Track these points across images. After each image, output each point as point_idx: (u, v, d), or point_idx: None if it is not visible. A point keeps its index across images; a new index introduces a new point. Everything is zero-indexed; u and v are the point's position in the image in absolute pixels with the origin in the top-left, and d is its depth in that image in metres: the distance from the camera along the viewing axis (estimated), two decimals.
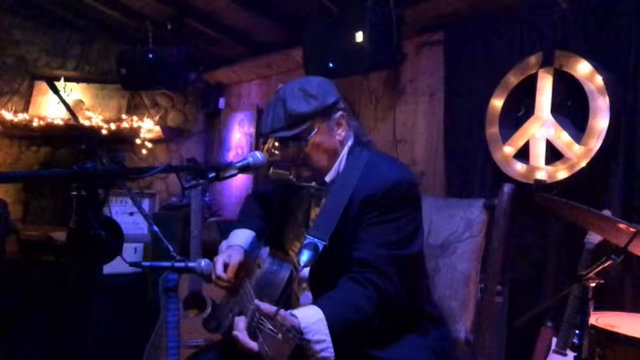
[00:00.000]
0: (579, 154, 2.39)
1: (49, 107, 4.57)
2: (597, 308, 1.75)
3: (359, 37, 2.97)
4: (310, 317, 1.27)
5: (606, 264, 1.49)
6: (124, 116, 4.67)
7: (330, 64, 3.09)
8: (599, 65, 2.36)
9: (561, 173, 2.46)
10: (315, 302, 1.37)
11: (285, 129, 1.44)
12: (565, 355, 2.16)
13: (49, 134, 4.48)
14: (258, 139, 4.50)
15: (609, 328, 1.80)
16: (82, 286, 3.51)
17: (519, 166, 2.61)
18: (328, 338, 1.26)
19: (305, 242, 1.36)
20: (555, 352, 2.19)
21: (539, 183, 2.50)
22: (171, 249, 1.31)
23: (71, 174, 1.10)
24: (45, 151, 4.67)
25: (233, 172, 1.39)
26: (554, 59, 2.49)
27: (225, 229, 1.63)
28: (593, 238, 2.18)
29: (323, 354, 1.25)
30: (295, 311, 1.29)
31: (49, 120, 4.39)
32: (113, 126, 4.54)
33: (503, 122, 2.70)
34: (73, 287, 3.54)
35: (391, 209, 1.41)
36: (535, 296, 2.55)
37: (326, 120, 1.48)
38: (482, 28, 2.88)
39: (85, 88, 4.72)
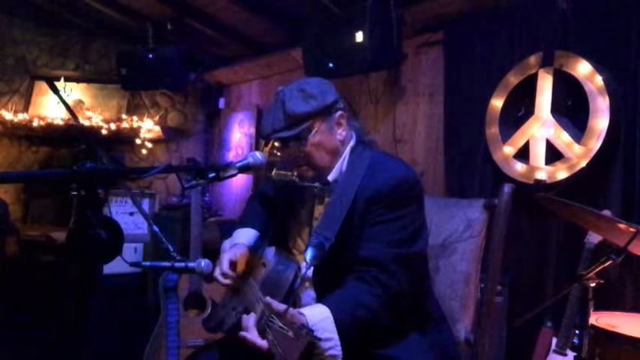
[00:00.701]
0: (579, 154, 2.39)
1: (49, 107, 4.57)
2: (597, 308, 1.75)
3: (359, 37, 2.97)
4: (317, 315, 1.28)
5: (606, 264, 1.49)
6: (124, 116, 4.68)
7: (330, 64, 3.09)
8: (599, 65, 2.36)
9: (561, 173, 2.46)
10: (321, 301, 1.38)
11: (285, 129, 1.45)
12: (565, 355, 2.16)
13: (49, 134, 4.48)
14: (258, 139, 4.50)
15: (609, 328, 1.80)
16: (82, 286, 3.51)
17: (519, 166, 2.61)
18: (336, 336, 1.27)
19: (311, 241, 1.37)
20: (555, 352, 2.19)
21: (539, 183, 2.50)
22: (171, 249, 1.31)
23: (71, 174, 1.10)
24: (45, 151, 4.67)
25: (233, 172, 1.39)
26: (554, 59, 2.49)
27: (225, 229, 1.63)
28: (593, 238, 2.18)
29: (331, 352, 1.26)
30: (302, 310, 1.30)
31: (49, 120, 4.39)
32: (113, 126, 4.54)
33: (503, 122, 2.70)
34: (73, 287, 3.55)
35: (396, 207, 1.42)
36: (535, 296, 2.55)
37: (326, 119, 1.49)
38: (482, 28, 2.88)
39: (85, 88, 4.72)
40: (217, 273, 1.52)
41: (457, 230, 1.77)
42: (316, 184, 1.54)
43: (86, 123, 4.48)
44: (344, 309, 1.32)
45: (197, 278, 2.64)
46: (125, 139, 4.71)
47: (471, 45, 2.92)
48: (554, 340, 2.22)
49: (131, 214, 4.08)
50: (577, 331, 1.58)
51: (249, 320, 1.30)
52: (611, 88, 2.32)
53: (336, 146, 1.51)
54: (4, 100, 4.48)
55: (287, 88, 1.50)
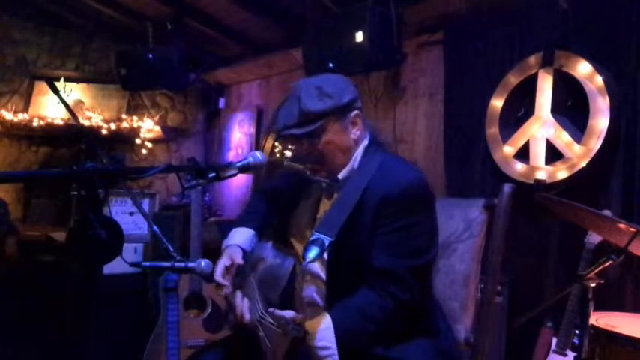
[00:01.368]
0: (579, 154, 2.39)
1: (49, 107, 4.56)
2: (597, 308, 1.75)
3: (359, 37, 2.96)
4: (319, 324, 1.32)
5: (606, 264, 1.49)
6: (124, 116, 4.67)
7: (330, 64, 3.09)
8: (599, 65, 2.36)
9: (561, 173, 2.46)
10: (330, 310, 1.39)
11: (297, 126, 1.43)
12: (565, 355, 2.16)
13: (49, 134, 4.48)
14: (259, 139, 4.50)
15: (609, 328, 1.80)
16: (82, 286, 3.51)
17: (519, 166, 2.61)
18: (334, 345, 1.30)
19: (311, 238, 1.37)
20: (555, 352, 2.19)
21: (539, 183, 2.50)
22: (171, 249, 1.31)
23: (71, 174, 1.10)
24: (45, 151, 4.67)
25: (233, 172, 1.39)
26: (554, 59, 2.49)
27: (226, 229, 1.63)
28: (593, 238, 2.18)
29: None
30: (307, 322, 1.33)
31: (49, 120, 4.39)
32: (113, 126, 4.54)
33: (503, 122, 2.70)
34: (73, 287, 3.54)
35: (408, 213, 1.40)
36: (535, 296, 2.55)
37: (340, 119, 1.46)
38: (482, 28, 2.88)
39: (85, 88, 4.72)
40: (216, 277, 1.52)
41: (457, 230, 1.77)
42: (327, 180, 1.53)
43: (86, 123, 4.47)
44: (348, 320, 1.35)
45: (197, 278, 2.64)
46: (125, 139, 4.71)
47: (471, 45, 2.92)
48: (554, 340, 2.22)
49: (131, 214, 4.07)
50: (577, 331, 1.59)
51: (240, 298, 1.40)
52: (611, 88, 2.32)
53: (349, 145, 1.49)
54: (4, 100, 4.48)
55: (304, 82, 1.48)
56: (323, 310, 1.43)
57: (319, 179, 1.53)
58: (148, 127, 4.69)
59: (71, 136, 4.49)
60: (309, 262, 1.33)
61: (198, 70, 4.74)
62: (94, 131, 4.43)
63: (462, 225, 1.77)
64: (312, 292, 1.53)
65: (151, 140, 4.79)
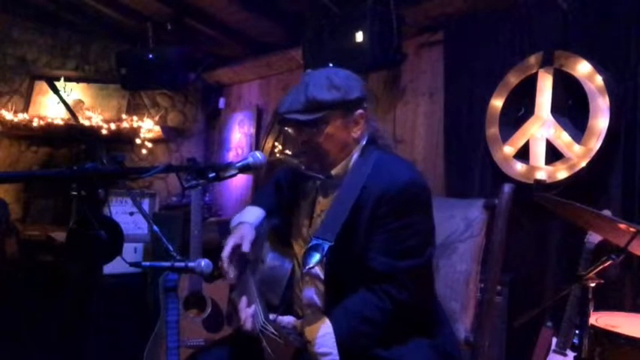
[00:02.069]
0: (579, 154, 2.39)
1: (49, 107, 4.57)
2: (597, 308, 1.75)
3: (359, 37, 2.97)
4: (319, 331, 1.32)
5: (606, 264, 1.49)
6: (124, 116, 4.68)
7: (330, 64, 3.09)
8: (599, 65, 2.36)
9: (561, 173, 2.46)
10: (329, 312, 1.39)
11: (301, 112, 1.42)
12: (565, 355, 2.16)
13: (49, 134, 4.48)
14: (259, 139, 4.50)
15: (609, 328, 1.80)
16: (82, 286, 3.51)
17: (519, 166, 2.61)
18: (334, 351, 1.30)
19: (311, 244, 1.36)
20: (555, 352, 2.19)
21: (539, 183, 2.50)
22: (171, 249, 1.31)
23: (71, 174, 1.10)
24: (45, 151, 4.67)
25: (233, 172, 1.39)
26: (554, 59, 2.49)
27: (225, 228, 1.62)
28: (593, 238, 2.18)
29: None
30: (307, 329, 1.34)
31: (49, 120, 4.39)
32: (113, 126, 4.54)
33: (503, 122, 2.70)
34: (73, 287, 3.55)
35: (404, 213, 1.39)
36: (535, 296, 2.55)
37: (344, 114, 1.45)
38: (482, 28, 2.88)
39: (85, 88, 4.72)
40: (223, 256, 1.51)
41: (457, 230, 1.77)
42: (320, 176, 1.53)
43: (86, 123, 4.48)
44: (347, 324, 1.35)
45: (197, 278, 2.64)
46: (125, 139, 4.71)
47: (471, 45, 2.92)
48: (554, 340, 2.22)
49: (131, 214, 4.07)
50: (577, 331, 1.58)
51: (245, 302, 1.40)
52: (611, 88, 2.32)
53: (347, 143, 1.48)
54: (4, 100, 4.48)
55: (315, 72, 1.47)
56: (322, 312, 1.43)
57: (313, 175, 1.53)
58: (148, 127, 4.69)
59: (71, 136, 4.49)
60: (309, 268, 1.33)
61: (198, 70, 4.74)
62: (94, 131, 4.43)
63: (462, 225, 1.76)
64: (312, 293, 1.52)
65: (151, 140, 4.79)
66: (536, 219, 2.58)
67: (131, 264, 1.30)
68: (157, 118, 4.87)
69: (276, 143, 4.23)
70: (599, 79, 2.33)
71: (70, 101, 4.51)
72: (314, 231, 1.48)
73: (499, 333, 2.48)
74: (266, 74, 4.51)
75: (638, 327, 1.82)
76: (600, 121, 2.33)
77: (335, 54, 3.10)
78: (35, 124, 4.35)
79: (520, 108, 2.69)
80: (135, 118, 4.68)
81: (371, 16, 2.94)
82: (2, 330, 3.40)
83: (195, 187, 1.33)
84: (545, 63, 2.52)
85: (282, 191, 1.73)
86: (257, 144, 4.50)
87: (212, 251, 1.67)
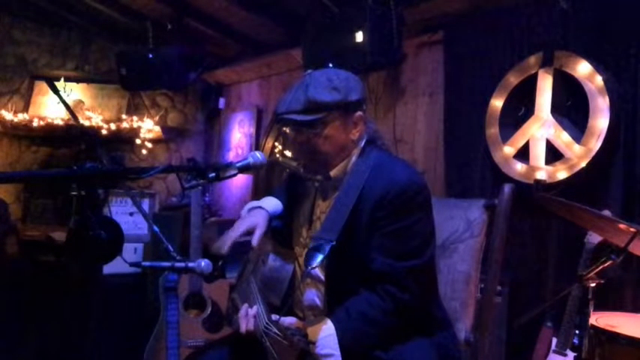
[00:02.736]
0: (579, 154, 2.39)
1: (49, 107, 4.56)
2: (597, 308, 1.75)
3: (359, 37, 2.96)
4: (321, 332, 1.32)
5: (606, 264, 1.49)
6: (124, 116, 4.67)
7: (330, 64, 3.09)
8: (599, 65, 2.36)
9: (561, 173, 2.46)
10: (330, 311, 1.40)
11: (300, 113, 1.42)
12: (565, 355, 2.16)
13: (49, 134, 4.48)
14: (259, 139, 4.50)
15: (609, 328, 1.80)
16: (82, 286, 3.51)
17: (519, 166, 2.61)
18: (337, 352, 1.31)
19: (313, 244, 1.37)
20: (555, 352, 2.19)
21: (539, 183, 2.50)
22: (171, 249, 1.31)
23: (71, 174, 1.10)
24: (45, 151, 4.67)
25: (233, 172, 1.39)
26: (554, 59, 2.49)
27: (225, 229, 1.62)
28: (593, 238, 2.18)
29: None
30: (309, 329, 1.34)
31: (49, 120, 4.39)
32: (113, 126, 4.54)
33: (503, 122, 2.70)
34: (72, 287, 3.54)
35: (404, 214, 1.39)
36: (535, 296, 2.55)
37: (343, 116, 1.45)
38: (482, 28, 2.88)
39: (85, 88, 4.72)
40: (232, 235, 1.51)
41: (457, 230, 1.77)
42: (319, 178, 1.53)
43: (86, 123, 4.47)
44: (350, 325, 1.35)
45: (197, 278, 2.64)
46: (125, 139, 4.71)
47: (471, 45, 2.92)
48: (554, 340, 2.22)
49: (131, 214, 4.07)
50: (577, 331, 1.58)
51: (246, 309, 1.39)
52: (611, 88, 2.32)
53: (345, 144, 1.48)
54: (4, 100, 4.48)
55: (316, 72, 1.47)
56: (324, 314, 1.43)
57: (312, 177, 1.53)
58: (148, 127, 4.69)
59: (71, 136, 4.49)
60: (312, 268, 1.33)
61: (198, 70, 4.73)
62: (94, 131, 4.42)
63: (462, 225, 1.77)
64: (313, 295, 1.52)
65: (151, 140, 4.79)
66: (536, 219, 2.58)
67: (131, 264, 1.30)
68: (157, 118, 4.87)
69: (276, 143, 4.23)
70: (599, 79, 2.33)
71: (70, 101, 4.50)
72: (313, 233, 1.48)
73: (499, 333, 2.48)
74: (266, 74, 4.51)
75: (638, 327, 1.82)
76: (600, 121, 2.33)
77: (335, 54, 3.10)
78: (35, 124, 4.35)
79: (520, 108, 2.69)
80: (135, 118, 4.67)
81: (371, 16, 2.93)
82: (2, 330, 3.40)
83: (195, 187, 1.33)
84: (545, 63, 2.52)
85: (288, 194, 1.74)
86: (257, 144, 4.50)
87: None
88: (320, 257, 1.32)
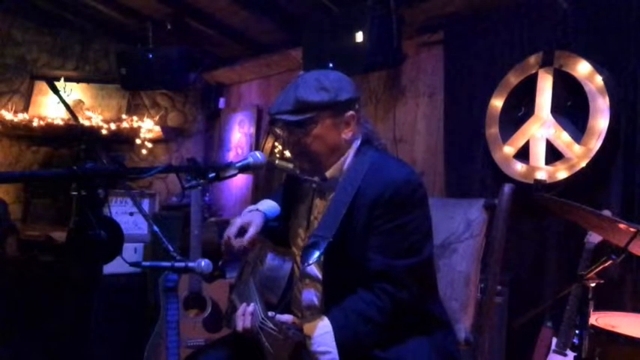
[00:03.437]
0: (579, 154, 2.39)
1: (49, 107, 4.56)
2: (597, 308, 1.75)
3: (359, 37, 2.96)
4: (318, 329, 1.33)
5: (606, 264, 1.49)
6: (124, 116, 4.67)
7: (330, 64, 3.09)
8: (599, 65, 2.36)
9: (561, 173, 2.46)
10: (327, 311, 1.40)
11: (289, 113, 1.43)
12: (565, 355, 2.16)
13: (49, 134, 4.48)
14: (259, 139, 4.50)
15: (609, 328, 1.80)
16: (82, 286, 3.51)
17: (519, 166, 2.61)
18: (334, 350, 1.31)
19: (309, 241, 1.37)
20: (555, 352, 2.19)
21: (539, 183, 2.50)
22: (171, 249, 1.31)
23: (71, 174, 1.10)
24: (45, 151, 4.67)
25: (233, 172, 1.39)
26: (554, 59, 2.49)
27: (225, 229, 1.63)
28: (593, 238, 2.18)
29: None
30: (306, 326, 1.34)
31: (49, 120, 4.39)
32: (113, 126, 4.54)
33: (503, 122, 2.70)
34: (73, 287, 3.54)
35: (400, 213, 1.39)
36: (535, 296, 2.55)
37: (334, 115, 1.46)
38: (482, 28, 2.88)
39: (85, 88, 4.72)
40: (227, 235, 1.54)
41: (457, 230, 1.77)
42: (315, 179, 1.53)
43: (86, 123, 4.47)
44: (347, 323, 1.35)
45: (197, 278, 2.64)
46: (125, 139, 4.71)
47: (471, 45, 2.92)
48: (554, 340, 2.22)
49: (131, 214, 4.07)
50: (577, 331, 1.58)
51: (244, 307, 1.40)
52: (611, 88, 2.32)
53: (337, 144, 1.49)
54: (4, 100, 4.48)
55: (307, 73, 1.49)
56: (322, 314, 1.43)
57: (308, 178, 1.53)
58: (148, 127, 4.69)
59: (71, 136, 4.49)
60: (308, 265, 1.34)
61: (198, 70, 4.74)
62: (94, 131, 4.43)
63: (462, 225, 1.76)
64: (311, 295, 1.52)
65: (151, 140, 4.79)
66: (536, 219, 2.58)
67: (131, 264, 1.30)
68: (157, 118, 4.87)
69: (276, 143, 4.23)
70: (599, 79, 2.33)
71: (70, 101, 4.50)
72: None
73: (499, 333, 2.48)
74: (266, 74, 4.51)
75: (638, 327, 1.82)
76: (600, 121, 2.33)
77: (335, 54, 3.10)
78: (35, 124, 4.35)
79: (520, 108, 2.69)
80: (135, 118, 4.67)
81: (371, 16, 2.94)
82: (2, 330, 3.40)
83: (195, 187, 1.34)
84: (545, 63, 2.52)
85: (286, 195, 1.74)
86: (257, 144, 4.50)
87: (212, 251, 1.67)
88: (317, 254, 1.33)
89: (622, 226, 1.50)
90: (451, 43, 3.06)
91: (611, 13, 2.38)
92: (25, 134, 4.52)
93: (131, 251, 3.91)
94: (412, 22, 3.15)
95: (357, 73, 3.22)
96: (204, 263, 1.33)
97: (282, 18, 3.79)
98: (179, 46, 4.12)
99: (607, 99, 2.31)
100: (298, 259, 1.56)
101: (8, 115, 4.31)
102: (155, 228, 1.37)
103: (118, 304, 3.55)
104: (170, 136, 5.01)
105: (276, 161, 1.60)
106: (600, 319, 1.88)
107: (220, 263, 1.54)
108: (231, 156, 4.81)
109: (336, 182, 1.49)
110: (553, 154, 2.51)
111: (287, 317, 1.42)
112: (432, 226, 1.49)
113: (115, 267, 2.54)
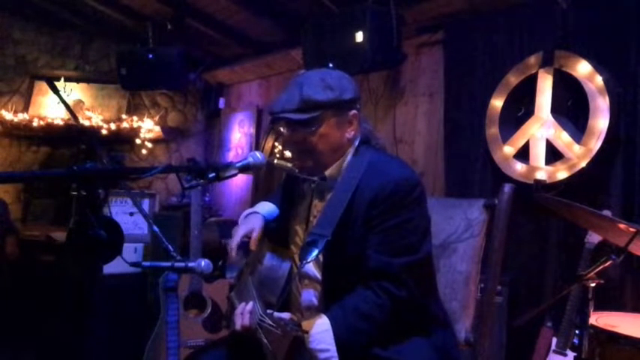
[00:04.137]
0: (579, 154, 2.39)
1: (49, 107, 4.57)
2: (597, 308, 1.75)
3: (359, 37, 2.96)
4: (317, 327, 1.32)
5: (606, 264, 1.49)
6: (124, 116, 4.68)
7: (330, 64, 3.09)
8: (599, 65, 2.36)
9: (561, 173, 2.46)
10: (327, 311, 1.39)
11: (295, 112, 1.42)
12: (565, 355, 2.16)
13: (49, 134, 4.49)
14: (259, 139, 4.50)
15: (609, 328, 1.80)
16: (82, 286, 3.51)
17: (519, 166, 2.61)
18: (333, 348, 1.30)
19: (308, 240, 1.37)
20: (555, 352, 2.19)
21: (539, 183, 2.50)
22: (171, 249, 1.31)
23: (71, 174, 1.10)
24: (45, 151, 4.67)
25: (233, 172, 1.39)
26: (554, 59, 2.49)
27: (225, 229, 1.63)
28: (593, 238, 2.18)
29: None
30: (304, 322, 1.34)
31: (49, 120, 4.40)
32: (113, 126, 4.54)
33: (503, 122, 2.70)
34: (73, 287, 3.54)
35: (398, 211, 1.39)
36: (535, 296, 2.55)
37: (338, 114, 1.46)
38: (482, 28, 2.88)
39: (85, 88, 4.72)
40: (231, 246, 1.55)
41: (457, 230, 1.77)
42: (314, 178, 1.53)
43: (86, 123, 4.48)
44: (346, 322, 1.34)
45: (197, 278, 2.64)
46: (125, 139, 4.71)
47: (471, 45, 2.92)
48: (554, 340, 2.22)
49: (131, 214, 4.07)
50: (577, 331, 1.58)
51: (243, 306, 1.41)
52: (611, 88, 2.32)
53: (340, 143, 1.49)
54: (4, 100, 4.48)
55: (308, 73, 1.48)
56: (321, 313, 1.43)
57: (307, 177, 1.53)
58: (148, 127, 4.69)
59: (71, 136, 4.49)
60: (306, 263, 1.33)
61: (198, 70, 4.74)
62: (94, 131, 4.43)
63: (462, 225, 1.77)
64: (311, 296, 1.52)
65: (151, 140, 4.79)
66: (536, 219, 2.58)
67: (131, 264, 1.30)
68: (157, 118, 4.87)
69: (276, 143, 4.23)
70: (599, 79, 2.33)
71: (70, 101, 4.51)
72: None
73: (499, 333, 2.48)
74: (266, 74, 4.52)
75: (638, 327, 1.82)
76: (600, 121, 2.33)
77: (335, 54, 3.10)
78: (35, 124, 4.35)
79: (520, 108, 2.69)
80: (135, 118, 4.68)
81: (371, 16, 2.94)
82: (2, 330, 3.40)
83: (195, 187, 1.33)
84: (545, 63, 2.52)
85: (285, 195, 1.74)
86: (257, 144, 4.50)
87: (212, 251, 1.67)
88: (315, 252, 1.33)
89: (622, 226, 1.50)
90: (451, 43, 3.06)
91: (611, 13, 2.38)
92: (25, 134, 4.52)
93: (131, 251, 3.91)
94: (412, 22, 3.16)
95: (357, 73, 3.22)
96: (204, 263, 1.33)
97: (282, 18, 3.79)
98: (179, 46, 4.12)
99: (607, 99, 2.31)
100: (297, 258, 1.56)
101: (8, 115, 4.32)
102: (155, 228, 1.37)
103: (118, 304, 3.55)
104: (170, 136, 5.01)
105: (276, 161, 1.59)
106: (600, 319, 1.88)
107: (220, 263, 1.55)
108: (231, 156, 4.81)
109: (335, 181, 1.49)
110: (553, 154, 2.51)
111: (285, 314, 1.42)
112: (430, 224, 1.49)
113: (115, 267, 2.54)
